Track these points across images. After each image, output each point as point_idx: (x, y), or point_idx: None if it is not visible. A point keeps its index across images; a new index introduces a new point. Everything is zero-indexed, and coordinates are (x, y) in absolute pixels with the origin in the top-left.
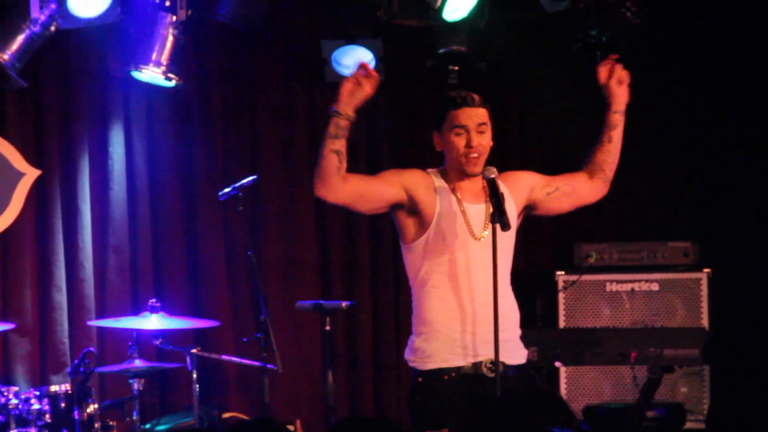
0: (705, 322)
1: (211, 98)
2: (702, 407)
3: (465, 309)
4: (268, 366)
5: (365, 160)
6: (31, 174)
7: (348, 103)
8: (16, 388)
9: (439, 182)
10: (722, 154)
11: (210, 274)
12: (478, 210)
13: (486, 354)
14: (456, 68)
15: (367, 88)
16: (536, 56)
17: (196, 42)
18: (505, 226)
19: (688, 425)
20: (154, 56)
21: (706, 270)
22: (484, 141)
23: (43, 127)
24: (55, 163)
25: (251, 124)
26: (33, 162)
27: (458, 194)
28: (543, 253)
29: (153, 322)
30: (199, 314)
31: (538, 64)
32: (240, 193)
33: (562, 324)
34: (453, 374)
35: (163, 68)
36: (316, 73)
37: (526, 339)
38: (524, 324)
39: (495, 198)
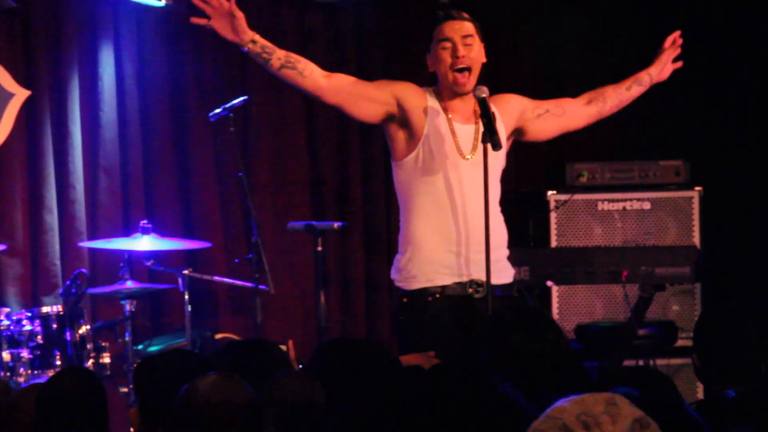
0: (696, 240)
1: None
2: (693, 325)
3: (452, 229)
4: (260, 287)
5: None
6: (20, 94)
7: (238, 35)
8: (7, 310)
9: (432, 101)
10: (712, 72)
11: (201, 195)
12: (468, 130)
13: (473, 274)
14: None
15: (237, 10)
16: None
17: None
18: (496, 146)
19: (680, 343)
20: None
21: (697, 188)
22: (472, 54)
23: (33, 48)
24: (44, 84)
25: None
26: (22, 83)
27: (449, 114)
28: (534, 172)
29: (144, 243)
30: (190, 235)
31: None
32: (231, 114)
33: (553, 243)
34: (438, 295)
35: None
36: None
37: (518, 258)
38: (516, 243)
39: (486, 117)
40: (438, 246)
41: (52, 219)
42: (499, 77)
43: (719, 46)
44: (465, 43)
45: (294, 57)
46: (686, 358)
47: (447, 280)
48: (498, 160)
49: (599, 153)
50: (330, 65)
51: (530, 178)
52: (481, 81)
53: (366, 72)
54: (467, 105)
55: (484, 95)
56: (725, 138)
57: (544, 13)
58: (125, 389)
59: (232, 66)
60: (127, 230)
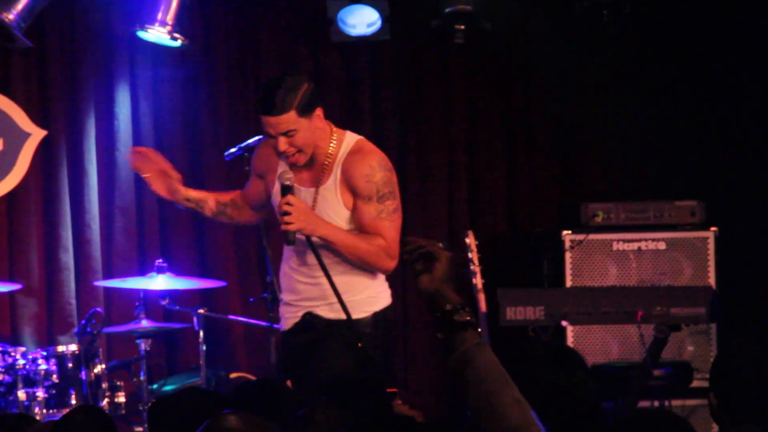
0: (712, 280)
1: (217, 59)
2: (709, 366)
3: (293, 279)
4: (275, 326)
5: (371, 118)
6: (37, 134)
7: (172, 195)
8: (23, 349)
9: (282, 164)
10: (728, 112)
11: (216, 234)
12: (307, 194)
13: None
14: (462, 27)
15: (172, 171)
16: (543, 15)
17: (202, 2)
18: (289, 243)
19: (695, 384)
20: (159, 16)
21: (712, 229)
22: (297, 142)
23: (49, 88)
24: (61, 123)
25: (256, 85)
26: (39, 122)
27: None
28: (549, 212)
29: (160, 282)
30: (205, 274)
31: (545, 22)
32: (246, 153)
33: (569, 283)
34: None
35: (168, 28)
36: (322, 34)
37: (532, 298)
38: (531, 283)
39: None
40: (285, 295)
41: (68, 258)
42: (513, 112)
43: (737, 87)
44: (288, 136)
45: (222, 202)
46: (702, 399)
47: (290, 323)
48: (343, 220)
49: (614, 193)
50: (344, 104)
51: (545, 218)
52: (497, 115)
53: (379, 110)
54: (310, 167)
55: (287, 183)
56: (741, 178)
57: (560, 46)
58: (140, 429)
59: (247, 106)
60: (143, 269)
